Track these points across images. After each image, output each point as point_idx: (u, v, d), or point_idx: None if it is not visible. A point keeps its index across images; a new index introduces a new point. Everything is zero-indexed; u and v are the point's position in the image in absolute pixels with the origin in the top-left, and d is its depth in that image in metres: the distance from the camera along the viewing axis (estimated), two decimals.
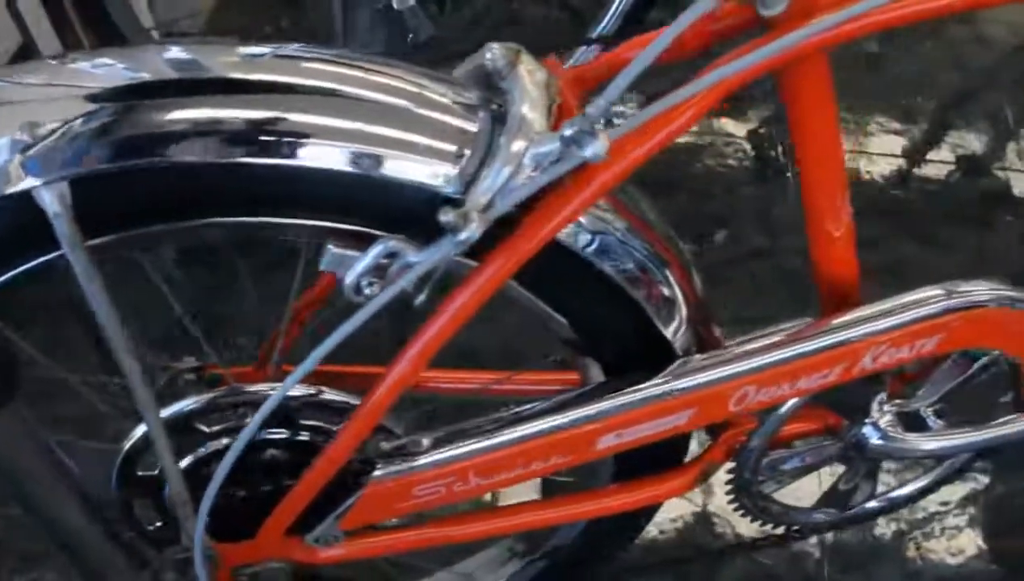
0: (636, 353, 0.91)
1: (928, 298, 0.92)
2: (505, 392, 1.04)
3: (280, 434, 0.94)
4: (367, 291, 0.75)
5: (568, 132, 0.68)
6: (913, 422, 1.06)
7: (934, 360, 1.02)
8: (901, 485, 1.16)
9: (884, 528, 1.39)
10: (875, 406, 1.03)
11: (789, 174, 1.77)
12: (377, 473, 0.87)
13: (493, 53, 0.74)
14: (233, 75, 0.75)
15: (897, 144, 1.84)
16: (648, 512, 1.14)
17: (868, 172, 1.79)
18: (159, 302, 1.06)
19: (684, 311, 0.91)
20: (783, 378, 0.90)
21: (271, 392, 0.95)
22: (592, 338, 0.91)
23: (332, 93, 0.75)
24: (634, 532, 1.17)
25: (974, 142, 1.86)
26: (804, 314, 0.95)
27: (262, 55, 0.77)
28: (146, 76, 0.75)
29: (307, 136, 0.74)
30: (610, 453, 0.91)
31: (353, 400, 0.94)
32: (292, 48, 0.78)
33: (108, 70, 0.76)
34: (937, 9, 0.76)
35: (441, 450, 0.87)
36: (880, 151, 1.82)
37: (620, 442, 0.90)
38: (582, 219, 0.82)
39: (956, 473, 1.16)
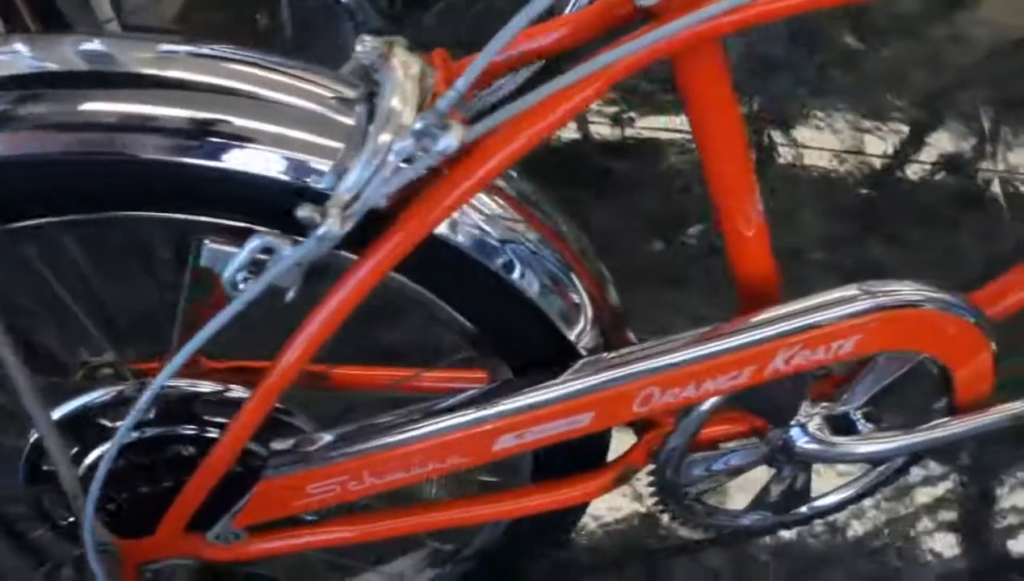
0: (540, 354, 0.89)
1: (844, 299, 0.89)
2: (417, 390, 1.02)
3: (179, 430, 0.93)
4: (242, 286, 0.74)
5: (419, 126, 0.66)
6: (842, 425, 1.03)
7: (861, 362, 1.00)
8: (837, 489, 1.13)
9: (833, 532, 1.36)
10: (801, 408, 1.01)
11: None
12: (268, 471, 0.86)
13: (364, 46, 0.73)
14: (132, 70, 0.76)
15: (868, 143, 1.81)
16: (575, 512, 1.13)
17: (836, 171, 1.75)
18: (85, 296, 1.06)
19: (590, 314, 0.89)
20: (688, 379, 0.87)
21: (178, 386, 0.96)
22: (496, 339, 0.90)
23: (219, 90, 0.75)
24: (561, 532, 1.15)
25: (946, 142, 1.82)
26: None
27: (175, 52, 0.77)
28: (47, 66, 0.76)
29: (185, 132, 0.74)
30: (510, 454, 0.89)
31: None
32: (207, 47, 0.78)
33: (12, 57, 0.77)
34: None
35: (332, 449, 0.86)
36: (850, 149, 1.79)
37: (520, 443, 0.87)
38: (488, 229, 0.82)
39: (895, 475, 1.13)
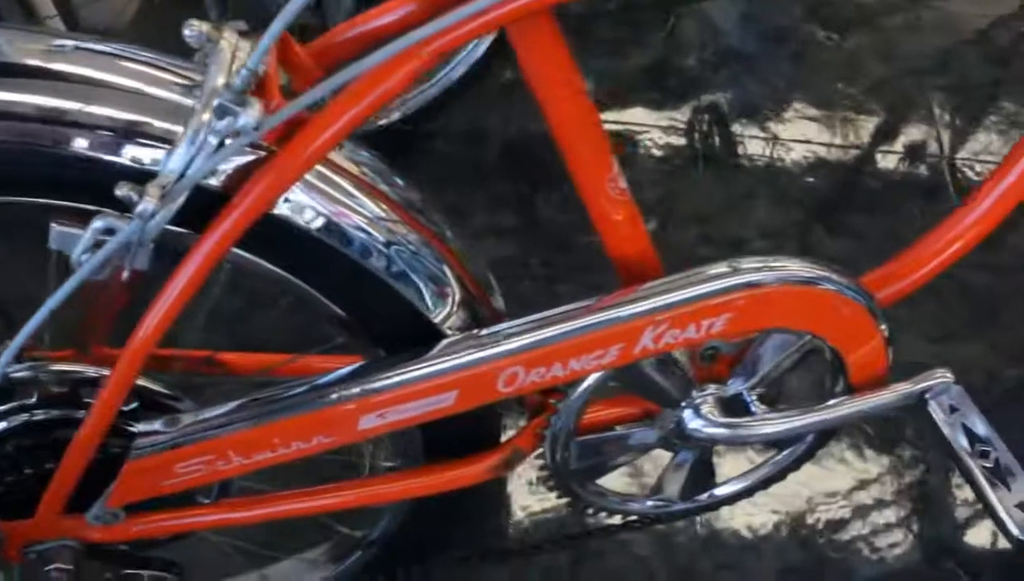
0: (408, 336, 0.89)
1: (711, 276, 0.88)
2: (293, 373, 1.02)
3: (59, 414, 0.94)
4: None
5: (216, 103, 0.67)
6: (735, 406, 1.03)
7: (748, 341, 0.99)
8: (743, 474, 1.12)
9: (762, 518, 1.35)
10: (690, 390, 1.00)
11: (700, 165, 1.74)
12: (134, 452, 0.87)
13: (191, 30, 0.74)
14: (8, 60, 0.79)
15: (813, 131, 1.79)
16: (475, 498, 1.13)
17: (782, 159, 1.74)
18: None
19: (457, 296, 0.90)
20: (551, 359, 0.87)
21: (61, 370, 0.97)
22: (363, 324, 0.90)
23: (72, 79, 0.78)
24: (461, 519, 1.15)
25: (896, 130, 1.80)
26: None
27: (37, 43, 0.81)
28: None
29: (34, 118, 0.76)
30: (377, 434, 0.89)
31: None
32: (72, 40, 0.81)
33: None
34: None
35: (196, 428, 0.87)
36: (795, 138, 1.78)
37: (384, 423, 0.88)
38: (344, 214, 0.83)
39: (802, 458, 1.12)
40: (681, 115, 1.82)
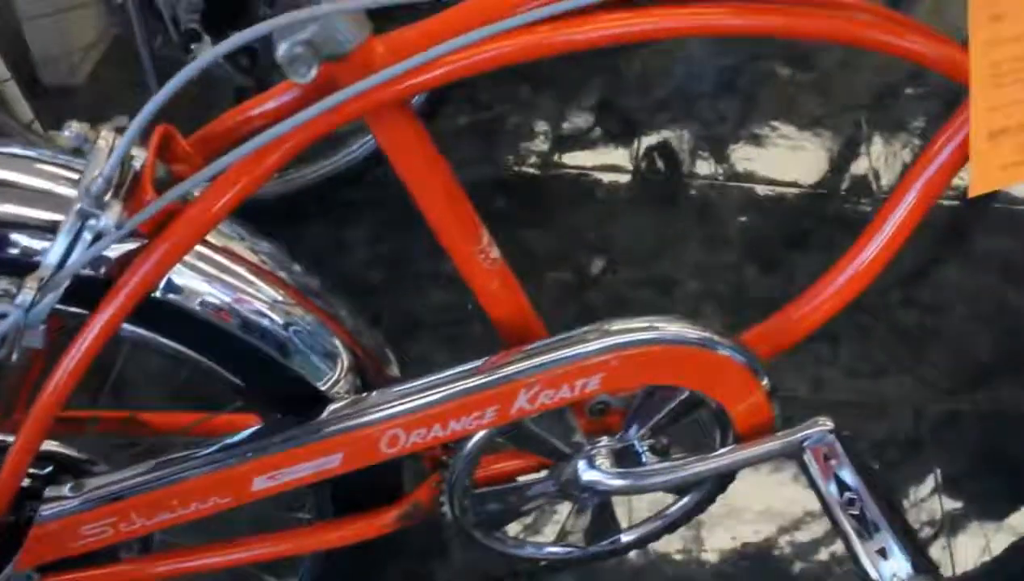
0: (298, 402, 0.95)
1: (582, 338, 0.94)
2: (206, 433, 1.08)
3: None
4: None
5: (78, 207, 0.73)
6: (628, 457, 1.08)
7: (636, 395, 1.04)
8: (646, 520, 1.17)
9: (694, 555, 1.40)
10: (581, 442, 1.05)
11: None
12: (39, 516, 0.93)
13: (69, 131, 0.80)
14: None
15: (749, 170, 1.85)
16: (384, 544, 1.18)
17: (717, 199, 1.79)
18: None
19: (346, 366, 0.96)
20: (431, 421, 0.92)
21: None
22: (258, 391, 0.97)
23: None
24: (369, 566, 1.20)
25: (826, 166, 1.85)
26: None
27: None
28: None
29: None
30: (271, 494, 0.95)
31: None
32: None
33: None
34: (489, 60, 0.79)
35: (98, 493, 0.92)
36: (730, 177, 1.83)
37: (276, 484, 0.93)
38: (242, 299, 0.90)
39: (704, 503, 1.17)
40: (621, 156, 1.88)
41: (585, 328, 0.95)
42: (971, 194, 0.94)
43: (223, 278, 0.89)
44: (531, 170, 1.86)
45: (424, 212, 0.88)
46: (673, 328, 0.96)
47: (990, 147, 0.93)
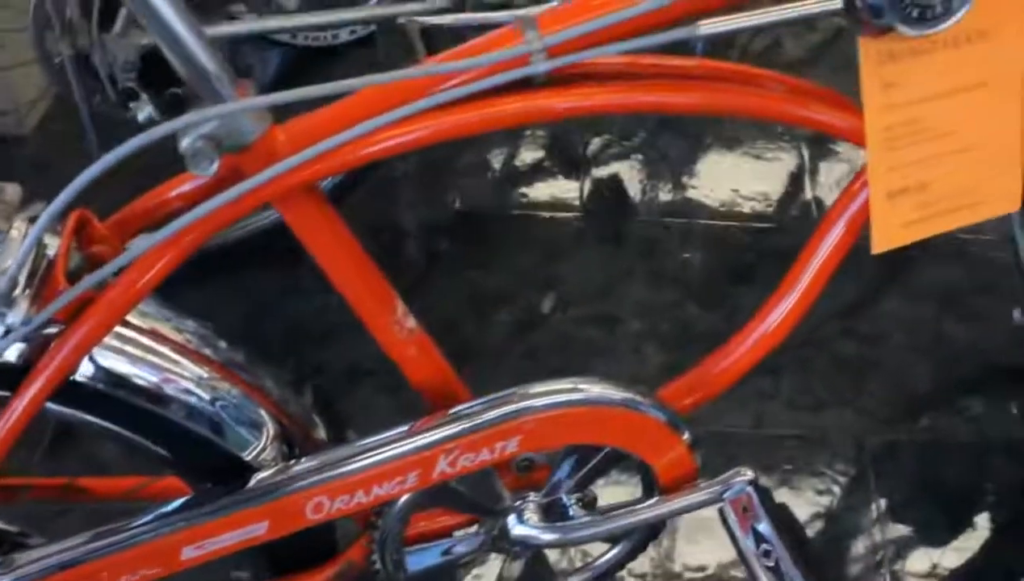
0: (227, 472, 0.97)
1: (497, 403, 0.96)
2: (149, 497, 1.10)
3: None
4: None
5: None
6: (556, 511, 1.10)
7: (560, 451, 1.06)
8: (578, 570, 1.20)
9: None
10: (508, 499, 1.07)
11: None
12: None
13: None
14: None
15: (691, 206, 1.88)
16: None
17: (661, 235, 1.82)
18: None
19: (272, 436, 0.98)
20: (354, 488, 0.95)
21: None
22: (186, 463, 0.99)
23: None
24: None
25: (769, 200, 1.88)
26: None
27: None
28: None
29: None
30: (198, 563, 0.96)
31: None
32: None
33: None
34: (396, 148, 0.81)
35: (26, 568, 0.94)
36: (674, 214, 1.86)
37: (204, 552, 0.95)
38: (169, 379, 0.93)
39: (636, 551, 1.19)
40: (567, 193, 1.91)
41: (503, 392, 0.98)
42: (874, 252, 0.97)
43: (148, 358, 0.92)
44: (478, 209, 1.89)
45: (338, 288, 0.91)
46: (593, 390, 0.99)
47: (890, 206, 0.96)
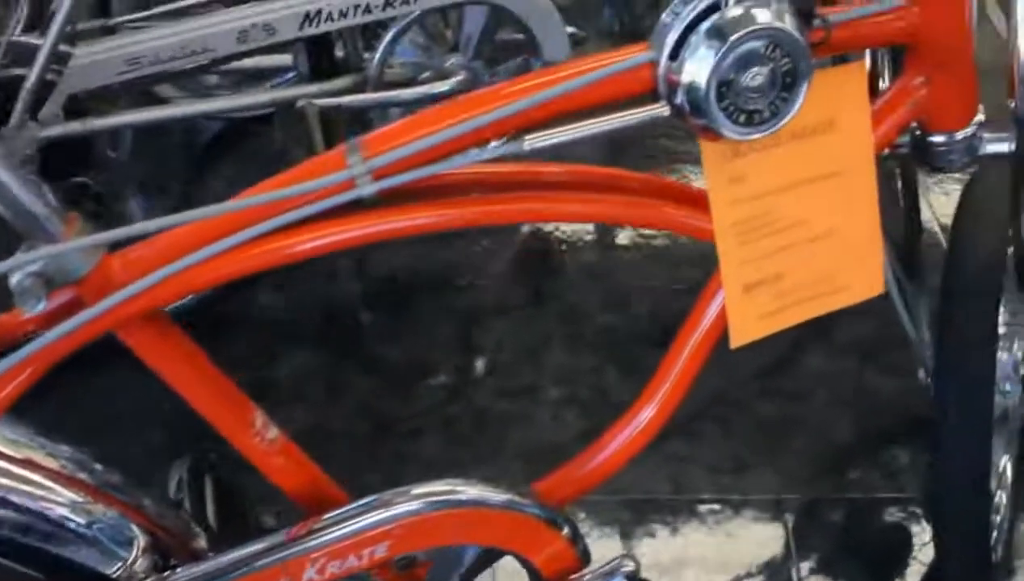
0: None
1: (363, 510, 0.96)
2: None
3: None
4: None
5: None
6: None
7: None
8: None
9: None
10: None
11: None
12: None
13: None
14: None
15: (609, 267, 1.88)
16: None
17: (579, 300, 1.83)
18: None
19: (145, 550, 0.98)
20: None
21: None
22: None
23: None
24: None
25: (682, 263, 1.89)
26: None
27: None
28: None
29: None
30: None
31: None
32: None
33: None
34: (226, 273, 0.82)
35: None
36: (593, 276, 1.87)
37: None
38: (43, 505, 0.93)
39: None
40: (484, 260, 1.92)
41: (371, 498, 0.97)
42: (733, 346, 0.98)
43: (18, 488, 0.92)
44: (392, 279, 1.89)
45: (194, 408, 0.91)
46: (463, 492, 0.99)
47: (746, 300, 0.96)
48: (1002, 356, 1.34)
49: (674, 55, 0.80)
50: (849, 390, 1.71)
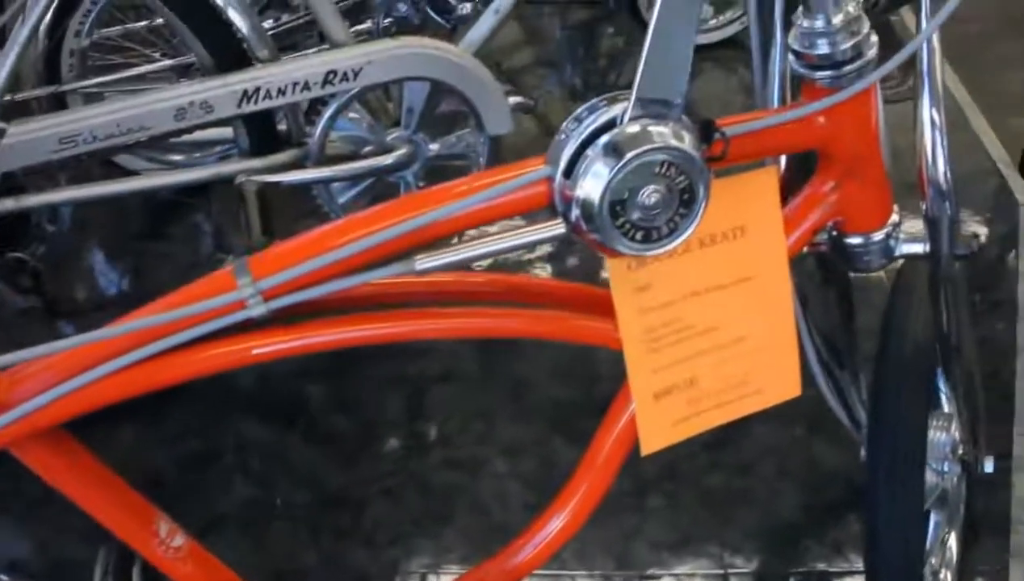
0: None
1: None
2: None
3: None
4: None
5: None
6: None
7: None
8: None
9: None
10: None
11: None
12: None
13: None
14: None
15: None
16: None
17: (525, 371, 1.82)
18: None
19: None
20: None
21: None
22: None
23: None
24: None
25: None
26: None
27: None
28: None
29: None
30: None
31: None
32: None
33: None
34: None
35: None
36: (536, 347, 1.86)
37: None
38: None
39: None
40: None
41: None
42: (644, 454, 0.96)
43: None
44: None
45: (98, 520, 0.89)
46: None
47: (659, 407, 0.95)
48: (940, 436, 1.34)
49: (569, 171, 0.79)
50: (796, 461, 1.70)
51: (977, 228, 2.23)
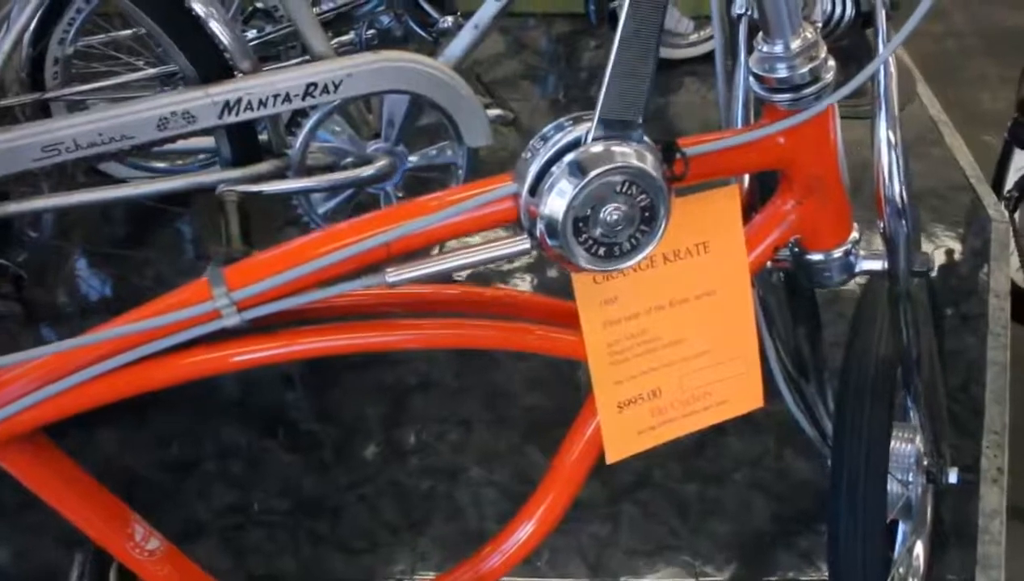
0: None
1: None
2: None
3: None
4: None
5: None
6: None
7: None
8: None
9: None
10: None
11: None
12: None
13: None
14: None
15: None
16: None
17: (502, 380, 1.84)
18: None
19: None
20: None
21: None
22: None
23: None
24: None
25: None
26: None
27: None
28: None
29: None
30: None
31: None
32: None
33: None
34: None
35: None
36: (514, 356, 1.88)
37: None
38: None
39: None
40: None
41: None
42: (609, 462, 0.99)
43: None
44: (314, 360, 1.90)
45: (73, 523, 0.91)
46: None
47: (623, 417, 0.97)
48: (905, 448, 1.37)
49: (534, 189, 0.82)
50: (767, 471, 1.73)
51: (950, 243, 2.27)
